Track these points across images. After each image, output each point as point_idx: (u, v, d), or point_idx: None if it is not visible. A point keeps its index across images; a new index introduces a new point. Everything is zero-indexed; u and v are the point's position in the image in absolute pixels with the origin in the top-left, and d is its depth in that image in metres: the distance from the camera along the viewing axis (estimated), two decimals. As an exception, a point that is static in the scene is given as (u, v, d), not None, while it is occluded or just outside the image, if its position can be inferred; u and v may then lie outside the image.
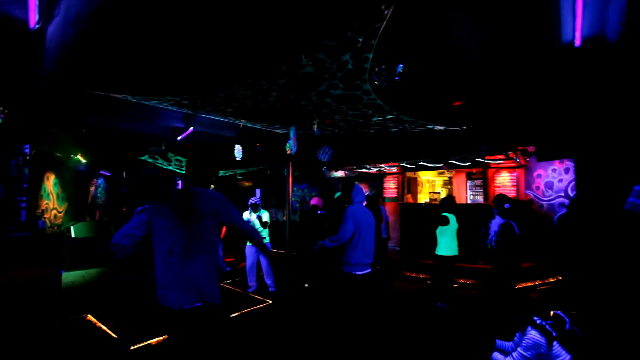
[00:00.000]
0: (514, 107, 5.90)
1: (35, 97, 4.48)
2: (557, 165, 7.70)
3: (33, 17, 3.06)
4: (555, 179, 7.71)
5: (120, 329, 4.43)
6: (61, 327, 4.53)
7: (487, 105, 5.95)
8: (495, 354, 2.75)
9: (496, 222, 5.06)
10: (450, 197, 5.76)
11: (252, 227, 2.63)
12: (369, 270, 3.69)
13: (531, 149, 7.57)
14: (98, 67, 3.76)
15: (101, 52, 3.49)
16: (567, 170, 7.57)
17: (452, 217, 5.43)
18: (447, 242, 5.38)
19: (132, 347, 3.94)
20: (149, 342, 4.07)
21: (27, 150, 5.20)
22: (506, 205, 4.96)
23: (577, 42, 4.03)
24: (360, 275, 3.61)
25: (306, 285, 6.51)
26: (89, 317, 4.87)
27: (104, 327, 4.50)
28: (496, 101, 5.74)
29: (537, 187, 7.95)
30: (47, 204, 8.72)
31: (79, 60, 3.59)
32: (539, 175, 7.95)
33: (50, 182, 9.01)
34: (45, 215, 8.36)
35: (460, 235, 5.54)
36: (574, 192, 7.32)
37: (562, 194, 7.58)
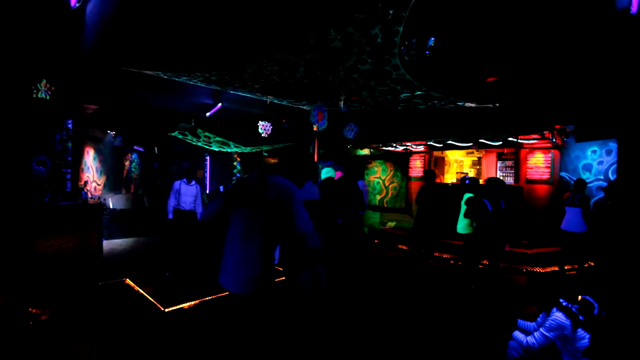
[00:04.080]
0: (552, 83, 5.53)
1: (76, 73, 4.70)
2: (598, 146, 7.24)
3: (74, -4, 3.17)
4: (595, 160, 7.28)
5: (156, 292, 4.78)
6: (103, 289, 4.96)
7: (523, 82, 5.62)
8: (516, 333, 2.76)
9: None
10: (462, 179, 6.09)
11: None
12: None
13: (569, 128, 7.14)
14: (133, 44, 3.87)
15: (136, 29, 3.59)
16: (609, 152, 7.11)
17: (465, 196, 5.66)
18: (460, 221, 5.70)
19: (167, 309, 4.26)
20: (181, 305, 4.38)
21: (70, 125, 5.52)
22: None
23: (634, 9, 3.67)
24: None
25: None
26: (127, 281, 5.28)
27: (141, 291, 4.87)
28: (533, 77, 5.40)
29: (574, 169, 7.55)
30: (87, 176, 9.31)
31: (115, 37, 3.71)
32: (577, 157, 7.52)
33: (89, 156, 9.57)
34: (87, 187, 8.95)
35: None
36: (615, 176, 6.91)
37: (602, 177, 7.17)
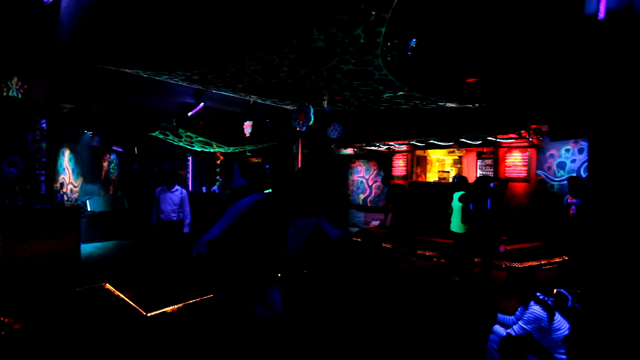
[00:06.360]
0: (529, 84, 5.73)
1: (50, 71, 4.53)
2: (571, 145, 7.55)
3: (47, -10, 3.04)
4: (568, 159, 7.59)
5: (137, 297, 4.66)
6: (81, 295, 4.79)
7: (501, 83, 5.79)
8: (496, 327, 2.84)
9: None
10: (458, 176, 6.09)
11: None
12: None
13: (545, 128, 7.41)
14: (110, 40, 3.76)
15: (113, 25, 3.49)
16: (581, 151, 7.43)
17: (455, 195, 5.70)
18: (452, 219, 5.72)
19: (149, 314, 4.17)
20: (164, 309, 4.29)
21: (44, 125, 5.29)
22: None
23: (601, 15, 3.84)
24: None
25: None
26: (107, 285, 5.12)
27: (121, 295, 4.73)
28: (510, 78, 5.58)
29: (549, 167, 7.84)
30: (63, 178, 8.97)
31: (91, 33, 3.60)
32: (552, 155, 7.82)
33: (65, 157, 9.23)
34: (63, 190, 8.62)
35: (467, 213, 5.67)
36: (587, 174, 7.22)
37: (575, 175, 7.48)
